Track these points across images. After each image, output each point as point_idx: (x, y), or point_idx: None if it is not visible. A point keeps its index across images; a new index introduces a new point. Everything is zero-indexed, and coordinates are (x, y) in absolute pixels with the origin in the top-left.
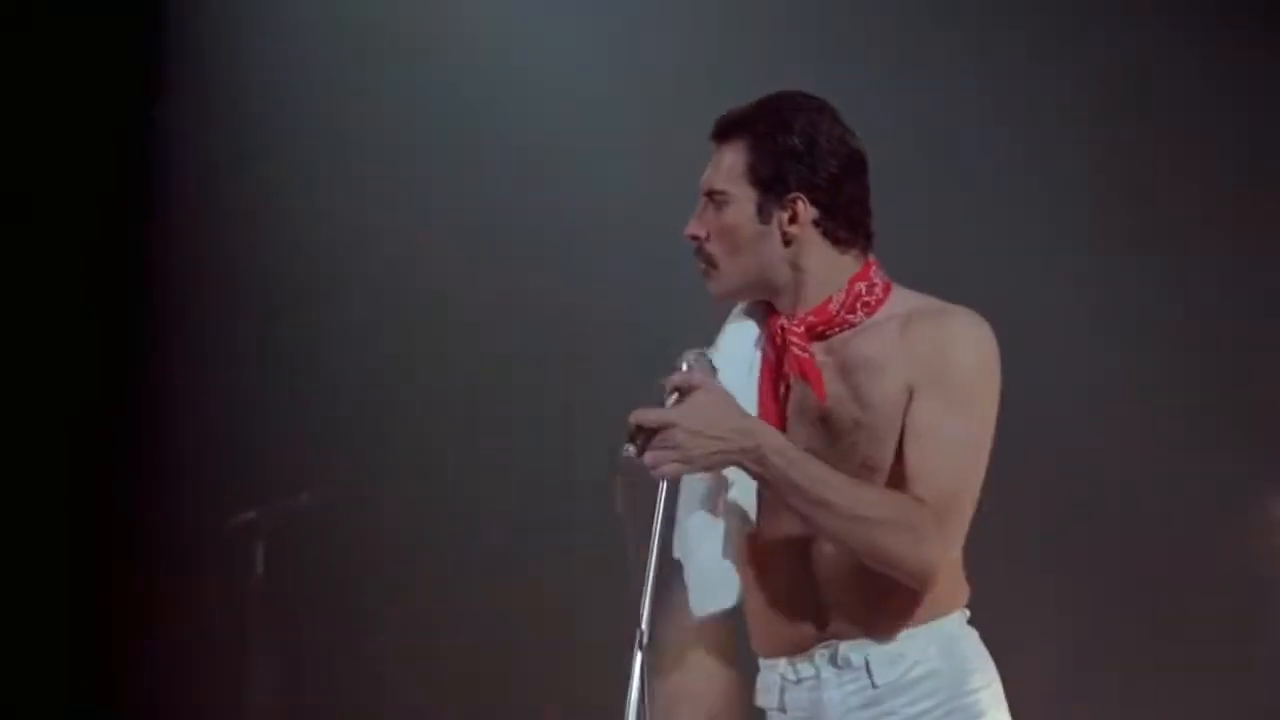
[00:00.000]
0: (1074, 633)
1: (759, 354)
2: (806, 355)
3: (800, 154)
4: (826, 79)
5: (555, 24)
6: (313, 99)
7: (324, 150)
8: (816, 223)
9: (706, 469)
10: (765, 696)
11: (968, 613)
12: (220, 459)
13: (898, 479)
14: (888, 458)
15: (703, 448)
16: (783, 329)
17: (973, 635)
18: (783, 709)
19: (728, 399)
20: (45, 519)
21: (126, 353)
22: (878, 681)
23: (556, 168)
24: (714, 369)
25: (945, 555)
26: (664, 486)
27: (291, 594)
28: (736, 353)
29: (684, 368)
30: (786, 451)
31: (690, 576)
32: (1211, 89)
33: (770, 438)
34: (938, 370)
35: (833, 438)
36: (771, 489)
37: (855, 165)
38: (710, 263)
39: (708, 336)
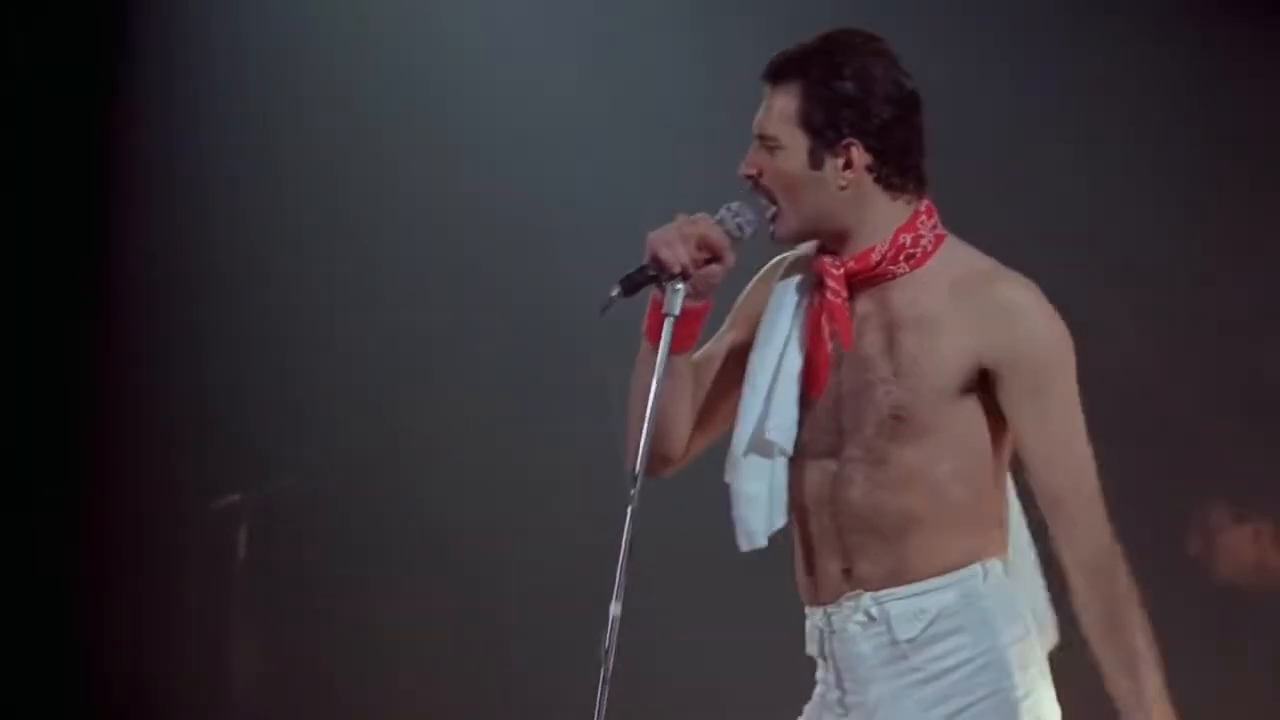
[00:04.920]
0: None
1: (805, 297)
2: (838, 301)
3: (854, 100)
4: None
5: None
6: (288, 87)
7: (309, 143)
8: (870, 168)
9: None
10: (810, 645)
11: (1000, 563)
12: (203, 443)
13: (937, 435)
14: (923, 412)
15: None
16: (821, 270)
17: (1006, 586)
18: (824, 657)
19: None
20: (33, 509)
21: (109, 338)
22: (899, 636)
23: (541, 160)
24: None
25: (1107, 530)
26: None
27: (275, 577)
28: (786, 293)
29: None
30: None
31: (734, 508)
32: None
33: None
34: (1022, 353)
35: (866, 385)
36: None
37: (909, 108)
38: (771, 200)
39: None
